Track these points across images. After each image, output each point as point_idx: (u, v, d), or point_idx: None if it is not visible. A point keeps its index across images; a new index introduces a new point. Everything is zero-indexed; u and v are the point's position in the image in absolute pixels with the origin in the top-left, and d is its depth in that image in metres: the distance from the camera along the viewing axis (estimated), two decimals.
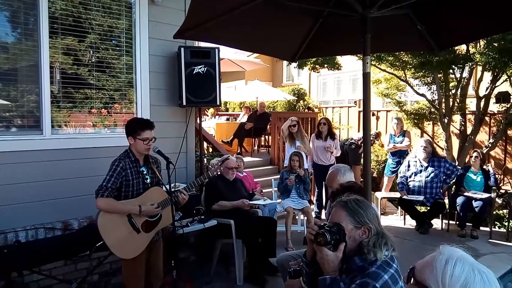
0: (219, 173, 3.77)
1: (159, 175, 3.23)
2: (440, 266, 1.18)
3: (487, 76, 7.24)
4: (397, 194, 6.59)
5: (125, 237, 2.96)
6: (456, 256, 1.20)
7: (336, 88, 14.29)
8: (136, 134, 3.01)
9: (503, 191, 6.86)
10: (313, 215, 5.69)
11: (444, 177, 6.14)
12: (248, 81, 15.10)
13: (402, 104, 8.60)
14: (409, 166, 6.35)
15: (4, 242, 3.46)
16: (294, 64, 8.82)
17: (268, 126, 9.15)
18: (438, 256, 1.22)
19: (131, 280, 3.09)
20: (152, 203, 3.06)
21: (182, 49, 4.58)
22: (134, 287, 3.08)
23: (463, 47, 6.90)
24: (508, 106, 7.25)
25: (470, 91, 7.78)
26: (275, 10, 2.64)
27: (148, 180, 3.14)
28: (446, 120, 7.46)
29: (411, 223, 6.39)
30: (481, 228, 5.94)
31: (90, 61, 4.32)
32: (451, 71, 7.29)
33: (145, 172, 3.12)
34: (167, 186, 3.06)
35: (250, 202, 4.34)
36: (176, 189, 3.34)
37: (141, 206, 2.98)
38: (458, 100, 7.55)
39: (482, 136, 8.27)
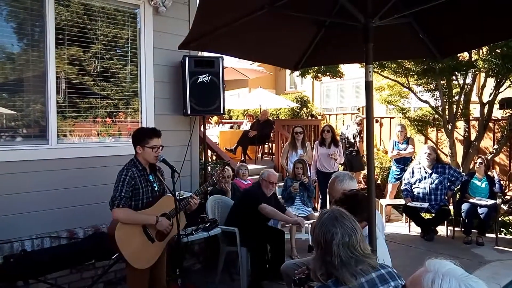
0: (220, 177, 3.77)
1: (165, 183, 3.26)
2: (427, 285, 1.16)
3: (490, 82, 7.23)
4: (401, 201, 6.57)
5: (140, 247, 2.98)
6: (442, 273, 1.17)
7: (339, 95, 14.32)
8: (145, 142, 3.04)
9: (508, 197, 6.82)
10: None
11: (448, 184, 6.12)
12: (251, 89, 15.15)
13: (405, 110, 8.60)
14: (413, 173, 6.33)
15: (10, 251, 3.49)
16: (297, 72, 8.84)
17: (271, 134, 9.17)
18: (425, 275, 1.20)
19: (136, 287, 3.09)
20: (165, 212, 3.10)
21: (186, 58, 4.63)
22: None
23: (465, 54, 6.91)
24: None
25: (474, 97, 7.77)
26: (278, 20, 2.67)
27: (156, 188, 3.17)
28: (450, 127, 7.45)
29: (416, 230, 6.35)
30: (487, 234, 5.90)
31: (95, 71, 4.37)
32: (454, 77, 7.30)
33: (152, 180, 3.15)
34: (188, 192, 3.09)
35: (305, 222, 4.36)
36: (181, 197, 3.36)
37: (158, 217, 3.02)
38: (461, 106, 7.54)
39: (486, 142, 8.25)
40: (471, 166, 7.29)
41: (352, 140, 7.68)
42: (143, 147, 3.04)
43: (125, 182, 2.94)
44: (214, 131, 10.36)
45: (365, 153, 7.67)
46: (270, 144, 9.86)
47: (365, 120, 2.82)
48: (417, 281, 1.21)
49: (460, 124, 7.89)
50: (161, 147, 3.12)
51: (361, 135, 7.69)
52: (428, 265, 1.23)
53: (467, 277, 1.16)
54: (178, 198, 3.22)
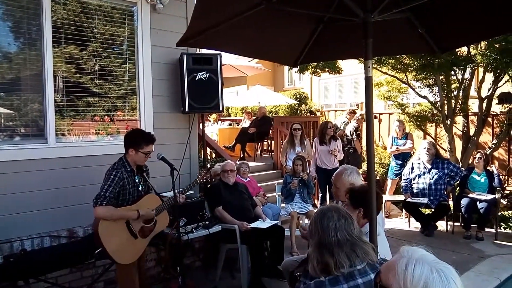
0: (206, 179, 3.88)
1: (149, 182, 3.39)
2: (401, 270, 1.23)
3: (489, 77, 7.24)
4: (401, 197, 6.58)
5: (124, 243, 3.08)
6: (415, 258, 1.24)
7: (338, 91, 14.30)
8: (140, 147, 3.17)
9: (507, 192, 6.84)
10: None
11: (448, 179, 6.12)
12: (249, 86, 15.13)
13: (404, 106, 8.60)
14: (412, 168, 6.33)
15: (10, 250, 3.48)
16: (295, 69, 8.83)
17: (270, 131, 9.16)
18: (399, 260, 1.26)
19: (128, 284, 3.19)
20: (149, 208, 3.22)
21: (184, 56, 4.61)
22: None
23: (464, 49, 6.91)
24: (511, 106, 7.24)
25: (472, 92, 7.78)
26: (276, 16, 2.65)
27: (141, 188, 3.29)
28: (448, 122, 7.46)
29: (416, 225, 6.37)
30: (487, 229, 5.92)
31: (92, 69, 4.35)
32: (452, 72, 7.30)
33: (138, 181, 3.27)
34: (170, 192, 3.12)
35: (251, 225, 4.34)
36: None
37: (139, 210, 3.12)
38: (460, 101, 7.55)
39: (485, 137, 8.26)
40: (470, 161, 7.30)
41: (350, 137, 7.68)
42: (136, 151, 3.17)
43: (113, 182, 3.04)
44: (213, 129, 10.35)
45: (362, 151, 7.73)
46: (269, 141, 9.86)
47: (365, 116, 2.82)
48: (391, 267, 1.28)
49: (459, 119, 7.90)
50: (151, 152, 3.27)
51: (357, 132, 7.70)
52: (402, 251, 1.30)
53: (438, 263, 1.23)
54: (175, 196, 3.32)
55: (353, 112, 8.64)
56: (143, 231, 3.20)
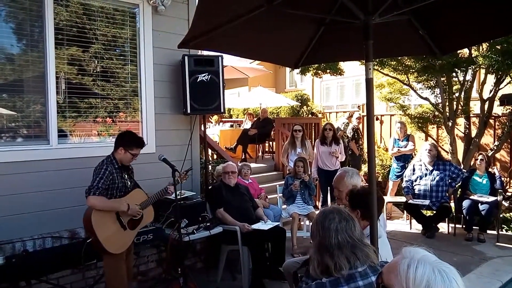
0: (184, 180, 3.92)
1: (134, 179, 3.57)
2: (403, 270, 1.23)
3: (491, 78, 7.23)
4: (402, 199, 6.58)
5: (115, 233, 3.22)
6: (417, 259, 1.24)
7: (339, 93, 14.31)
8: (130, 148, 3.33)
9: (509, 194, 6.82)
10: None
11: (449, 181, 6.12)
12: (251, 88, 15.14)
13: (405, 108, 8.60)
14: (414, 170, 6.33)
15: (12, 251, 3.48)
16: (296, 70, 8.86)
17: (272, 132, 9.16)
18: (401, 261, 1.27)
19: (115, 278, 3.26)
20: (136, 203, 3.37)
21: (186, 57, 4.62)
22: (119, 285, 3.26)
23: (465, 50, 6.90)
24: None
25: (474, 94, 7.77)
26: (277, 19, 2.66)
27: (129, 184, 3.44)
28: (450, 124, 7.44)
29: (417, 227, 6.36)
30: (488, 231, 5.91)
31: (95, 71, 4.36)
32: (454, 74, 7.29)
33: (126, 178, 3.43)
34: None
35: (252, 226, 4.34)
36: (182, 196, 3.43)
37: (129, 204, 3.27)
38: (462, 103, 7.54)
39: (487, 139, 8.24)
40: (471, 162, 7.30)
41: (350, 139, 7.69)
42: (126, 151, 3.32)
43: (104, 175, 3.18)
44: (215, 130, 10.35)
45: (363, 152, 7.72)
46: (270, 143, 9.86)
47: (365, 117, 2.82)
48: (393, 268, 1.28)
49: (461, 121, 7.89)
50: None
51: (353, 133, 7.72)
52: (404, 252, 1.30)
53: (440, 263, 1.23)
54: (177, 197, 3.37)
55: (351, 116, 8.65)
56: (131, 223, 3.36)
